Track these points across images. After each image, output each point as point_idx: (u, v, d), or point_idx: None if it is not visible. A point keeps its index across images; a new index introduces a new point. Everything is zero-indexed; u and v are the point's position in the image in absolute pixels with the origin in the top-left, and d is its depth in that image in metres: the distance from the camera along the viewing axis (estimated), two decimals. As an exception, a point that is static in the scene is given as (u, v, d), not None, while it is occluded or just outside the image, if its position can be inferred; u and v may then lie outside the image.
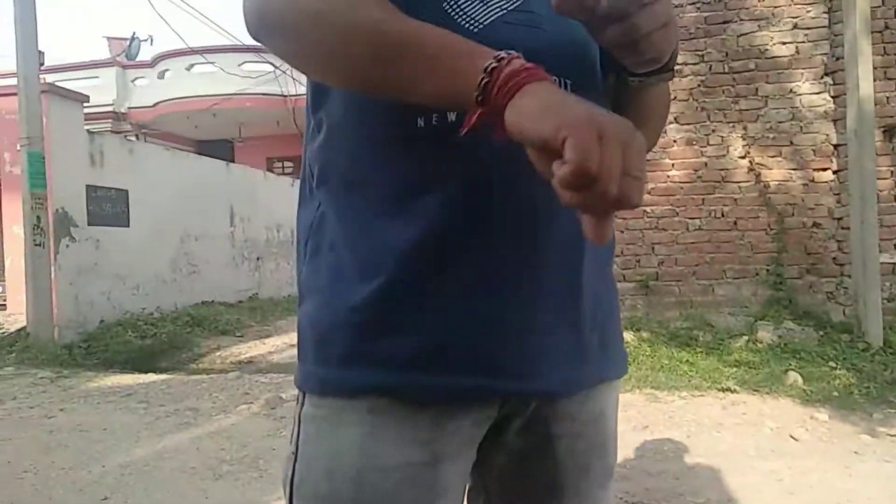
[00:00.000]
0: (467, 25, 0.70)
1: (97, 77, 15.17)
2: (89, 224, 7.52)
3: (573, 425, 0.79)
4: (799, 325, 5.11)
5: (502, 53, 0.55)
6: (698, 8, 5.61)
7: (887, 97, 5.30)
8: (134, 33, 16.02)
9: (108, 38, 17.04)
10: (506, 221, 0.70)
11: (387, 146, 0.71)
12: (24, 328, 7.00)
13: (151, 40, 15.81)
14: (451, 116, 0.68)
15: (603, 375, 0.81)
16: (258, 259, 11.04)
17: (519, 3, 0.73)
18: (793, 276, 5.43)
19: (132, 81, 15.53)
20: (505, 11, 0.72)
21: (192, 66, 14.56)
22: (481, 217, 0.69)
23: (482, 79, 0.54)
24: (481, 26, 0.70)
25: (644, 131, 0.77)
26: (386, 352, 0.70)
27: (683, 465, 3.00)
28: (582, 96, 0.68)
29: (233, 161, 12.27)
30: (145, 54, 15.76)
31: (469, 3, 0.71)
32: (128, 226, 8.12)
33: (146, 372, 5.73)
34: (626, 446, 3.14)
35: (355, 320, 0.71)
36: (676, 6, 5.59)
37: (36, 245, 6.66)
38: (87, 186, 7.57)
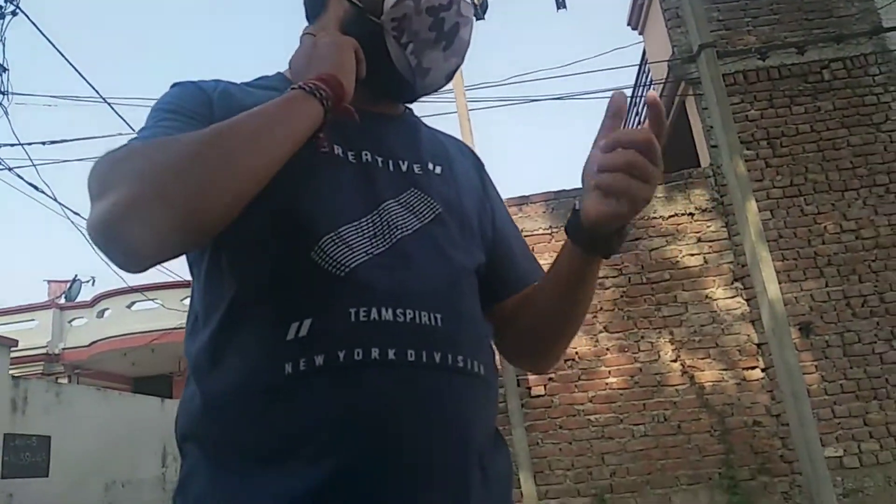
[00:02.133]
0: (334, 270, 0.71)
1: (33, 319, 14.95)
2: (3, 477, 6.90)
3: None
4: (762, 532, 4.91)
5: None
6: (611, 227, 6.15)
7: (795, 297, 5.73)
8: (76, 276, 16.16)
9: (49, 281, 17.12)
10: (389, 462, 0.67)
11: (254, 399, 0.68)
12: None
13: (93, 281, 15.90)
14: (319, 360, 0.67)
15: None
16: (191, 503, 10.16)
17: (386, 246, 0.74)
18: (745, 478, 5.35)
19: (69, 322, 15.34)
20: (371, 255, 0.73)
21: (132, 303, 14.59)
22: (364, 461, 0.66)
23: (310, 88, 0.71)
24: (347, 270, 0.71)
25: (581, 308, 0.85)
26: None
27: None
28: (455, 329, 0.74)
29: (171, 396, 11.84)
30: (86, 294, 15.78)
31: (334, 248, 0.72)
32: (47, 475, 7.48)
33: None
34: None
35: None
36: (591, 227, 6.13)
37: (-64, 507, 6.00)
38: (6, 435, 7.08)
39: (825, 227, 5.88)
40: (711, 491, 5.35)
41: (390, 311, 0.70)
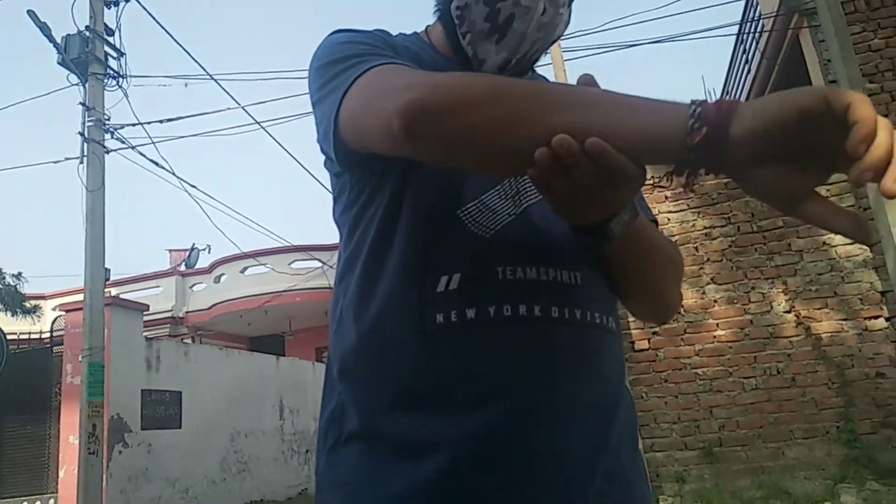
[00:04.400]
0: (479, 232, 0.75)
1: (158, 287, 16.21)
2: (143, 428, 7.63)
3: None
4: (884, 486, 4.67)
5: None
6: (718, 176, 5.86)
7: (924, 241, 5.29)
8: (193, 244, 17.32)
9: (170, 251, 18.46)
10: (539, 417, 0.70)
11: (407, 342, 0.73)
12: (73, 541, 6.83)
13: (209, 249, 17.01)
14: (471, 313, 0.71)
15: None
16: (307, 452, 10.86)
17: (522, 209, 0.78)
18: (866, 432, 5.07)
19: (190, 287, 16.51)
20: (511, 217, 0.77)
21: (245, 268, 15.47)
22: (516, 417, 0.69)
23: (694, 109, 0.55)
24: (493, 231, 0.76)
25: (646, 264, 0.82)
26: None
27: None
28: (592, 286, 0.77)
29: (283, 354, 12.57)
30: (204, 262, 16.90)
31: (479, 213, 0.76)
32: (180, 427, 8.20)
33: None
34: None
35: None
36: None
37: (90, 454, 6.72)
38: (143, 391, 7.79)
39: (962, 162, 5.35)
40: (829, 445, 5.12)
41: (534, 269, 0.74)
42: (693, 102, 0.56)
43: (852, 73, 5.20)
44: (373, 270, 0.78)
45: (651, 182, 5.96)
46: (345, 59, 0.77)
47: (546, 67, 8.02)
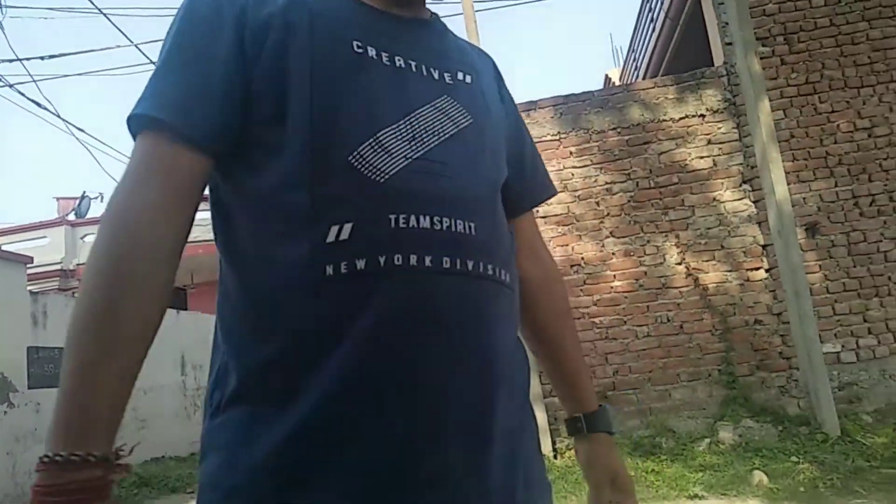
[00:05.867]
0: (374, 177, 0.71)
1: (45, 237, 15.13)
2: (30, 387, 7.20)
3: None
4: (757, 423, 5.12)
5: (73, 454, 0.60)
6: (618, 132, 6.06)
7: (803, 198, 5.70)
8: (84, 192, 16.23)
9: (58, 199, 17.22)
10: (419, 368, 0.69)
11: (291, 293, 0.70)
12: (-47, 506, 6.45)
13: (101, 197, 15.97)
14: (360, 263, 0.69)
15: None
16: (212, 407, 10.62)
17: (424, 151, 0.75)
18: (744, 374, 5.51)
19: (81, 238, 15.52)
20: (410, 160, 0.74)
21: (142, 218, 14.69)
22: (397, 366, 0.68)
23: (38, 466, 0.60)
24: (387, 177, 0.72)
25: None
26: None
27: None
28: (487, 238, 0.77)
29: (185, 308, 12.13)
30: (96, 211, 15.89)
31: (373, 153, 0.72)
32: (72, 384, 7.80)
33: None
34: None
35: (260, 480, 0.67)
36: (599, 132, 6.04)
37: (-29, 413, 6.30)
38: (29, 348, 7.33)
39: (838, 125, 5.77)
40: (710, 387, 5.54)
41: (428, 218, 0.72)
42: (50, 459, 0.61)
43: (747, 35, 5.44)
44: (257, 224, 0.74)
45: (557, 137, 6.08)
46: (172, 52, 0.76)
47: (457, 18, 7.92)
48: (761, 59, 5.60)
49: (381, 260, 0.69)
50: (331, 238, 0.69)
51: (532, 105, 6.16)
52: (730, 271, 5.72)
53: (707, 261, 5.76)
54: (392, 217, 0.71)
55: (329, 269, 0.69)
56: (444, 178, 0.75)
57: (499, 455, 0.73)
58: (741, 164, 5.86)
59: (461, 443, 0.70)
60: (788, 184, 5.35)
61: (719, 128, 5.95)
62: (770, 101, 5.46)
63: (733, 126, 5.92)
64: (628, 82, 11.06)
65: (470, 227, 0.74)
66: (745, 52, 5.38)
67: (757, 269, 5.69)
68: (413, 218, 0.71)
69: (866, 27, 5.89)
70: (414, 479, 0.68)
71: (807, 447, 4.69)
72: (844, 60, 5.86)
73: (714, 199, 5.84)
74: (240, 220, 0.76)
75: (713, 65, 6.24)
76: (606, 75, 17.11)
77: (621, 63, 14.51)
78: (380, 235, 0.70)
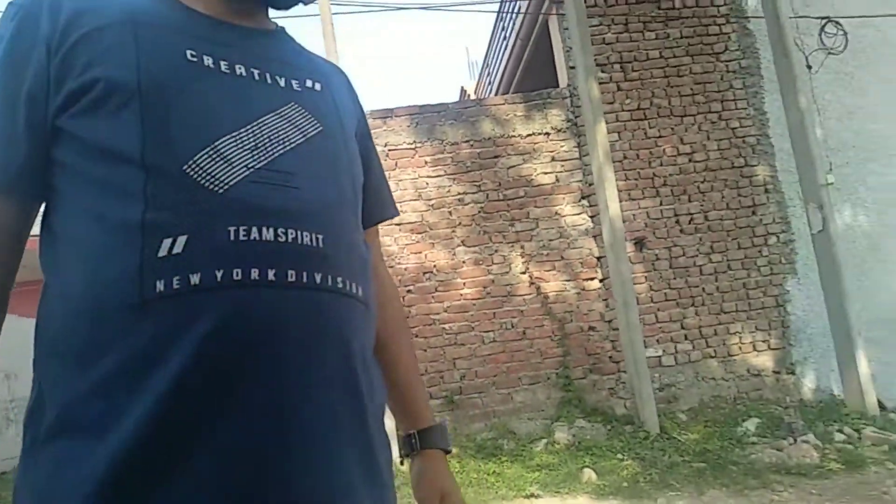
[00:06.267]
0: (212, 187, 0.68)
1: None
2: None
3: None
4: (589, 422, 5.52)
5: None
6: (471, 145, 6.27)
7: (633, 214, 6.22)
8: None
9: None
10: (260, 381, 0.66)
11: (117, 312, 0.65)
12: None
13: None
14: (195, 278, 0.65)
15: None
16: (33, 420, 9.64)
17: (268, 160, 0.72)
18: (579, 377, 5.92)
19: None
20: (251, 170, 0.70)
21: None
22: (233, 378, 0.65)
23: None
24: (226, 187, 0.68)
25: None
26: None
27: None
28: (336, 250, 0.74)
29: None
30: None
31: (211, 163, 0.69)
32: None
33: None
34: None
35: None
36: (453, 143, 6.21)
37: None
38: None
39: (664, 149, 6.35)
40: (549, 389, 5.88)
41: (271, 230, 0.69)
42: None
43: (588, 61, 5.85)
44: (85, 239, 0.69)
45: (413, 146, 6.17)
46: None
47: (314, 19, 7.78)
48: (600, 84, 6.04)
49: (218, 274, 0.66)
50: (163, 252, 0.65)
51: (389, 113, 6.21)
52: (568, 281, 6.11)
53: (548, 270, 6.12)
54: (231, 229, 0.67)
55: (160, 285, 0.64)
56: (290, 188, 0.72)
57: (346, 457, 0.72)
58: (581, 181, 6.29)
59: (306, 449, 0.68)
60: (620, 201, 5.82)
61: (562, 146, 6.34)
62: (606, 123, 5.91)
63: (574, 145, 6.34)
64: (482, 97, 11.48)
65: (317, 240, 0.72)
66: (586, 77, 5.79)
67: (592, 279, 6.13)
68: (255, 230, 0.68)
69: (690, 62, 6.55)
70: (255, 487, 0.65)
71: (631, 444, 5.12)
72: (671, 90, 6.47)
73: (556, 212, 6.21)
74: (68, 235, 0.71)
75: (559, 86, 6.64)
76: (462, 87, 17.61)
77: (477, 76, 15.01)
78: (217, 248, 0.66)
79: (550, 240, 6.16)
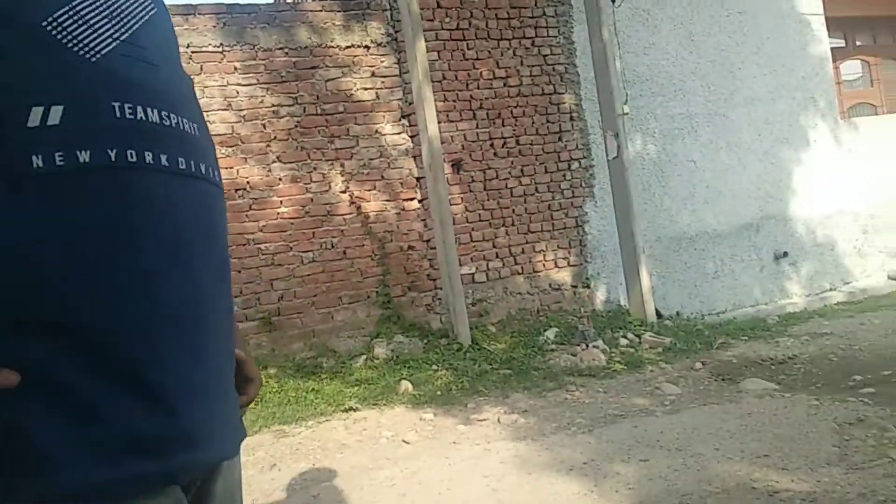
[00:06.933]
0: (84, 54, 0.60)
1: None
2: None
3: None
4: (407, 338, 5.71)
5: None
6: (286, 53, 5.90)
7: (451, 136, 6.32)
8: None
9: None
10: (161, 280, 0.63)
11: None
12: None
13: None
14: (84, 156, 0.57)
15: (238, 442, 0.78)
16: None
17: (128, 34, 0.65)
18: (398, 295, 6.05)
19: None
20: (118, 42, 0.64)
21: None
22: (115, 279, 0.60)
23: None
24: (99, 56, 0.61)
25: None
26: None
27: (308, 497, 3.06)
28: (205, 139, 0.71)
29: None
30: None
31: (74, 24, 0.60)
32: None
33: None
34: (253, 491, 3.07)
35: None
36: (266, 50, 5.79)
37: None
38: None
39: (481, 72, 6.47)
40: (369, 307, 5.96)
41: (156, 112, 0.64)
42: None
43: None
44: None
45: (220, 49, 5.66)
46: None
47: None
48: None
49: (112, 153, 0.59)
50: (33, 122, 0.56)
51: (191, 10, 5.60)
52: (388, 201, 6.13)
53: (369, 190, 6.07)
54: (116, 105, 0.60)
55: (37, 160, 0.55)
56: (152, 66, 0.66)
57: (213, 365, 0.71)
58: (401, 99, 6.23)
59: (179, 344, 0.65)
60: (439, 122, 5.88)
61: (382, 61, 6.19)
62: (426, 41, 5.86)
63: (394, 61, 6.22)
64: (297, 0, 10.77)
65: (194, 128, 0.69)
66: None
67: (412, 199, 6.20)
68: (140, 109, 0.62)
69: (507, -16, 6.63)
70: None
71: (445, 356, 5.40)
72: (488, 13, 6.54)
73: (376, 131, 6.13)
74: None
75: (380, -3, 6.41)
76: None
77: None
78: (104, 125, 0.59)
79: (371, 159, 6.09)
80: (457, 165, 6.34)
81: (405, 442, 3.69)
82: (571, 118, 6.82)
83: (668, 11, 7.34)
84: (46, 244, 0.56)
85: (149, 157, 0.62)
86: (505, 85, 6.56)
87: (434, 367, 5.20)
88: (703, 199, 7.38)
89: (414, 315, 6.09)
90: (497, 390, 4.65)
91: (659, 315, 6.48)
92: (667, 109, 7.27)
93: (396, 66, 6.22)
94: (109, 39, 0.63)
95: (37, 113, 0.56)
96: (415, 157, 6.18)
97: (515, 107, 6.59)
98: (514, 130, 6.57)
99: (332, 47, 6.03)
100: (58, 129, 0.57)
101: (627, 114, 6.49)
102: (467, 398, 4.53)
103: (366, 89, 6.13)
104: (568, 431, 3.62)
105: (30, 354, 0.55)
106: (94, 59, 0.61)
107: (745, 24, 7.71)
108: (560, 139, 6.76)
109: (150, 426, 0.60)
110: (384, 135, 6.16)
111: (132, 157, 0.60)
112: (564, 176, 6.75)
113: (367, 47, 6.15)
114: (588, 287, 6.75)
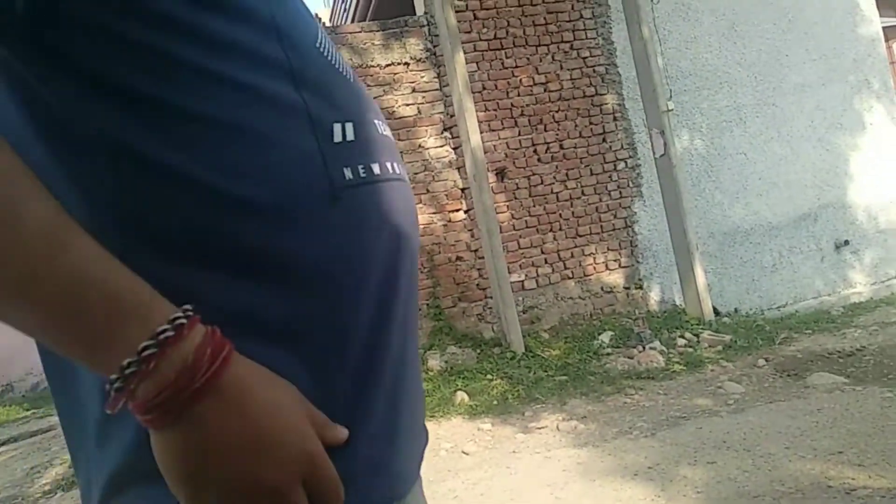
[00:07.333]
0: (344, 73, 0.65)
1: None
2: None
3: None
4: (460, 348, 5.72)
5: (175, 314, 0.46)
6: (328, 75, 6.01)
7: (494, 145, 6.34)
8: None
9: None
10: (400, 304, 0.64)
11: (317, 206, 0.60)
12: None
13: None
14: (375, 168, 0.62)
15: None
16: None
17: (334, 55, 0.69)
18: (448, 306, 6.08)
19: None
20: (339, 63, 0.68)
21: None
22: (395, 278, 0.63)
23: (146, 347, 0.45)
24: (349, 75, 0.66)
25: None
26: None
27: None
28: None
29: None
30: None
31: (332, 46, 0.66)
32: None
33: None
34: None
35: None
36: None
37: None
38: None
39: (521, 79, 6.47)
40: (421, 320, 6.00)
41: (384, 124, 0.69)
42: (154, 336, 0.45)
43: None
44: (232, 113, 0.54)
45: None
46: None
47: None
48: (456, 12, 5.98)
49: (388, 165, 0.64)
50: (337, 138, 0.60)
51: (237, 42, 5.79)
52: (435, 213, 6.17)
53: (416, 204, 6.12)
54: (377, 122, 0.66)
55: (347, 173, 0.59)
56: (356, 82, 0.69)
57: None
58: (442, 112, 6.28)
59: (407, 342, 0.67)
60: (481, 132, 5.90)
61: (422, 76, 6.26)
62: (465, 53, 5.90)
63: (434, 76, 6.29)
64: (337, 24, 11.00)
65: (387, 129, 0.71)
66: (443, 4, 5.70)
67: (457, 210, 6.23)
68: (377, 121, 0.67)
69: (542, -9, 6.63)
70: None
71: (499, 365, 5.39)
72: (525, 20, 6.55)
73: (419, 145, 6.19)
74: (195, 111, 0.54)
75: (416, 13, 6.50)
76: (316, 14, 16.82)
77: (331, 2, 14.36)
78: (374, 138, 0.64)
79: (416, 173, 6.15)
80: (501, 174, 6.35)
81: (464, 453, 3.70)
82: (615, 118, 6.75)
83: (709, 3, 7.20)
84: (349, 261, 0.59)
85: (389, 166, 0.66)
86: (545, 90, 6.54)
87: (489, 376, 5.20)
88: (757, 192, 7.18)
89: (466, 325, 6.10)
90: (554, 397, 4.61)
91: (716, 312, 6.32)
92: (713, 103, 7.12)
93: (436, 79, 6.28)
94: (339, 60, 0.67)
95: (338, 129, 0.60)
96: (458, 169, 6.22)
97: (557, 111, 6.56)
98: (557, 135, 6.54)
99: (373, 66, 6.13)
100: (354, 144, 0.61)
101: (672, 110, 6.38)
102: (524, 406, 4.51)
103: (407, 105, 6.20)
104: (630, 436, 3.56)
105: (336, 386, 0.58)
106: (349, 78, 0.65)
107: (789, 9, 7.50)
108: (604, 140, 6.69)
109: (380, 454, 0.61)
110: (427, 148, 6.21)
111: (390, 169, 0.65)
112: (611, 177, 6.68)
113: (407, 64, 6.22)
114: (641, 288, 6.65)
